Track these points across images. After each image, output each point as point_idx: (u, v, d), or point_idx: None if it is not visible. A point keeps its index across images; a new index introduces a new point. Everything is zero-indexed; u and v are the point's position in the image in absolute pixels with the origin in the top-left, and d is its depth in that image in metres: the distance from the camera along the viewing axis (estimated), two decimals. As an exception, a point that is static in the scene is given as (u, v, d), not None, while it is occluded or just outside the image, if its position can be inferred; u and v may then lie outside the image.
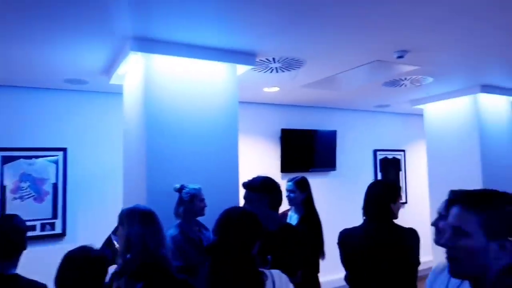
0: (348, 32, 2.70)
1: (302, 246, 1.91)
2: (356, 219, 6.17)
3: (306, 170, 5.34)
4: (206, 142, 2.94)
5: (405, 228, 2.09)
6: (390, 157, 6.20)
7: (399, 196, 2.14)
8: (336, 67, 3.50)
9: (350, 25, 2.57)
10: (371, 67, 3.50)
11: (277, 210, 2.03)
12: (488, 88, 4.54)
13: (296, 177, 2.92)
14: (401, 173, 6.30)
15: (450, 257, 1.06)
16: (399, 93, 4.75)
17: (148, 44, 2.72)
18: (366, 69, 3.57)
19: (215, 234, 1.47)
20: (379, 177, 6.04)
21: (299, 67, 3.43)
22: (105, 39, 2.71)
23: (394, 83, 4.14)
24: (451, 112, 4.85)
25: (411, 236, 2.08)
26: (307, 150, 5.36)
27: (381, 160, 6.08)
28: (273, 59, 3.19)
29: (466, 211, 1.03)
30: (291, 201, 2.86)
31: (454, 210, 1.06)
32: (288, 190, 2.86)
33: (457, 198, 1.07)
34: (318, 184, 5.46)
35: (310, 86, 4.15)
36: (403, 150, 6.33)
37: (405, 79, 3.99)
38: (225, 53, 2.97)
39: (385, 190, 2.14)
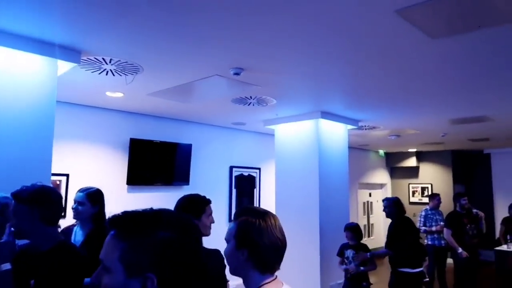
0: (183, 42, 2.60)
1: (77, 268, 1.66)
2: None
3: (156, 183, 5.09)
4: (6, 144, 2.49)
5: (208, 249, 1.99)
6: (246, 174, 6.33)
7: (204, 212, 2.05)
8: (177, 77, 3.38)
9: (184, 36, 2.49)
10: (216, 82, 3.48)
11: (54, 225, 1.74)
12: (328, 115, 4.96)
13: (90, 188, 2.56)
14: (256, 190, 6.48)
15: None
16: (251, 112, 4.88)
17: None
18: (212, 83, 3.54)
19: None
20: (234, 193, 6.11)
21: (136, 73, 3.22)
22: None
23: (242, 100, 4.21)
24: (297, 134, 5.17)
25: (214, 258, 1.98)
26: (159, 163, 5.12)
27: (236, 176, 6.17)
28: (104, 59, 2.92)
29: (113, 239, 0.83)
30: (78, 214, 2.46)
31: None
32: (76, 201, 2.48)
33: (111, 221, 0.84)
34: (168, 198, 5.23)
35: (157, 95, 3.96)
36: (259, 168, 6.54)
37: (251, 97, 4.09)
38: (40, 45, 2.59)
39: (186, 204, 2.03)
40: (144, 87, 3.71)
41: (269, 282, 1.21)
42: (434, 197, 6.30)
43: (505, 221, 6.20)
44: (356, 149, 8.75)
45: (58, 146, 4.33)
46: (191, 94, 3.94)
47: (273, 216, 1.28)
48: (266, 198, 6.57)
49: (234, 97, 4.09)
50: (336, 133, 5.21)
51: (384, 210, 4.42)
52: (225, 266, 1.99)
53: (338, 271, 4.89)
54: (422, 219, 6.11)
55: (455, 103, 4.39)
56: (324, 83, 3.64)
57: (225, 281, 2.02)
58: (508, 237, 5.68)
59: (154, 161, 5.08)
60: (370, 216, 9.41)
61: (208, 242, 2.34)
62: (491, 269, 7.16)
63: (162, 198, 5.17)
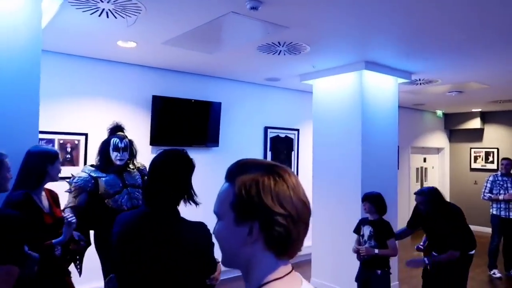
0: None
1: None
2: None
3: (182, 144, 4.74)
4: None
5: (191, 222, 1.55)
6: (282, 135, 5.82)
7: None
8: (187, 19, 2.88)
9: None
10: (233, 22, 2.94)
11: None
12: (373, 66, 4.24)
13: None
14: (293, 153, 5.97)
15: None
16: (284, 63, 4.30)
17: None
18: (228, 24, 3.01)
19: None
20: (269, 156, 5.65)
21: (138, 13, 2.76)
22: None
23: (269, 48, 3.63)
24: (337, 89, 4.52)
25: (198, 232, 1.54)
26: (185, 122, 4.74)
27: (272, 138, 5.68)
28: (96, -5, 2.48)
29: None
30: None
31: None
32: None
33: None
34: (196, 160, 4.90)
35: (172, 43, 3.50)
36: (297, 129, 5.99)
37: (279, 44, 3.50)
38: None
39: (175, 162, 1.60)
40: (155, 33, 3.26)
41: (283, 277, 0.78)
42: (501, 161, 5.48)
43: None
44: (409, 109, 7.85)
45: (75, 104, 4.07)
46: (209, 41, 3.43)
47: (290, 172, 0.82)
48: (305, 162, 6.04)
49: (259, 44, 3.53)
50: (383, 88, 4.48)
51: (419, 207, 3.35)
52: (213, 243, 1.55)
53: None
54: (488, 185, 5.32)
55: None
56: (369, 23, 2.97)
57: (214, 261, 1.58)
58: None
59: (180, 120, 4.71)
60: (424, 183, 8.57)
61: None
62: None
63: (190, 160, 4.84)
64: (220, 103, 4.99)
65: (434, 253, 3.24)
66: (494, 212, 5.27)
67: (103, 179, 2.86)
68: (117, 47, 3.65)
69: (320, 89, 4.74)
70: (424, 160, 8.65)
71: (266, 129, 5.61)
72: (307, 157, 6.06)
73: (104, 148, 2.94)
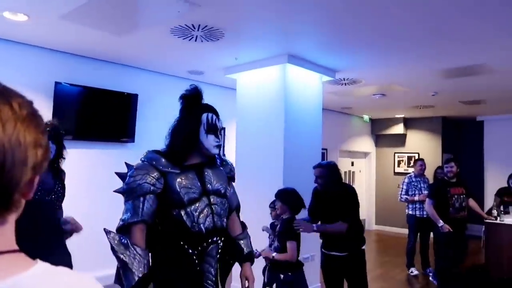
0: None
1: None
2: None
3: (89, 138, 4.28)
4: None
5: None
6: (207, 134, 5.52)
7: None
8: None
9: None
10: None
11: None
12: (297, 60, 4.13)
13: None
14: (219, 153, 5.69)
15: None
16: (205, 54, 4.04)
17: None
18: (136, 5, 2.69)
19: None
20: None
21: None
22: None
23: (183, 32, 3.35)
24: (260, 84, 4.34)
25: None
26: (96, 114, 4.27)
27: (196, 136, 5.36)
28: None
29: None
30: None
31: None
32: None
33: None
34: (107, 157, 4.45)
35: (71, 18, 3.09)
36: (223, 128, 5.71)
37: (194, 27, 3.23)
38: None
39: None
40: (49, 3, 2.84)
41: None
42: (416, 162, 5.69)
43: (502, 191, 5.52)
44: (338, 112, 7.98)
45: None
46: (112, 17, 3.07)
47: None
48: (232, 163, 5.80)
49: (172, 26, 3.23)
50: (307, 85, 4.39)
51: (317, 181, 3.13)
52: None
53: (309, 242, 4.10)
54: (405, 187, 5.50)
55: (448, 47, 3.61)
56: (289, 8, 2.82)
57: None
58: (502, 208, 5.04)
59: (90, 112, 4.24)
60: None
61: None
62: (478, 245, 6.61)
63: (99, 156, 4.38)
64: (136, 95, 4.60)
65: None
66: (410, 212, 5.43)
67: (177, 177, 1.75)
68: (4, 19, 3.15)
69: (243, 84, 4.54)
70: (352, 164, 8.84)
71: (189, 126, 5.28)
72: (233, 158, 5.83)
73: (192, 128, 1.81)
